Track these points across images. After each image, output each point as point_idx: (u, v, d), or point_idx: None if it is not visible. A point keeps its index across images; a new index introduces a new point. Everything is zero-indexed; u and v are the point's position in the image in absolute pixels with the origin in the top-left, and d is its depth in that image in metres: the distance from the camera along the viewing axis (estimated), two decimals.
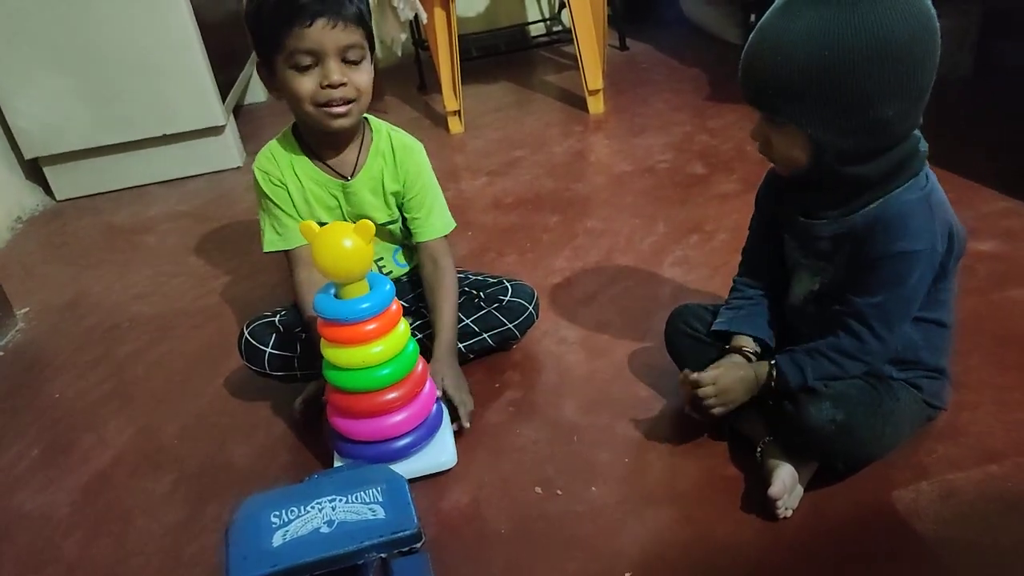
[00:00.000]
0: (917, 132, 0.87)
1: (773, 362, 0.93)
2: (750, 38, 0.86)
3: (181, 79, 2.10)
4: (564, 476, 1.02)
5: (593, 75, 2.28)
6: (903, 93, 0.80)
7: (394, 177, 1.19)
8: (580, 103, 2.36)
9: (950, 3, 2.02)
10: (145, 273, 1.75)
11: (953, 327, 0.96)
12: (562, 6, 3.10)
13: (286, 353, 1.18)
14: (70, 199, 2.25)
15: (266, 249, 1.20)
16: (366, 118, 1.18)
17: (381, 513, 0.74)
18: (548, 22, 3.19)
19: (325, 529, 0.73)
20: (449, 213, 1.25)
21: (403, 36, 2.37)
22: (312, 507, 0.75)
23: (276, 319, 1.21)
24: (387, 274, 1.26)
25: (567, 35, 2.72)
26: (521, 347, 1.29)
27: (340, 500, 0.76)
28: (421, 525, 0.75)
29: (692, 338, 1.07)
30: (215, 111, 2.17)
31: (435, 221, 1.22)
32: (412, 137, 1.23)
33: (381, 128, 1.20)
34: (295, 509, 0.75)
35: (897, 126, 0.82)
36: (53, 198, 2.25)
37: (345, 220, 1.19)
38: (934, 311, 0.92)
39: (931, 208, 0.85)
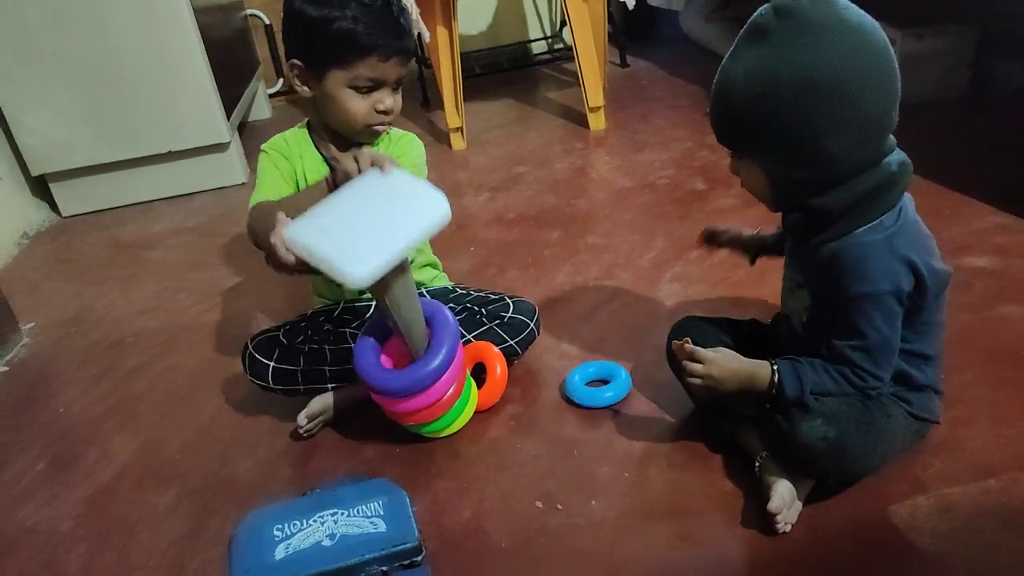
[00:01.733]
0: (892, 164, 0.87)
1: (774, 366, 0.92)
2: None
3: (186, 96, 2.13)
4: (564, 490, 1.03)
5: (594, 92, 2.30)
6: (843, 126, 0.82)
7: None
8: (581, 120, 2.39)
9: (945, 25, 2.06)
10: (150, 288, 1.77)
11: (938, 356, 0.96)
12: (563, 24, 3.13)
13: (289, 367, 1.19)
14: (76, 215, 2.27)
15: (251, 206, 1.12)
16: None
17: (382, 526, 0.75)
18: (549, 40, 3.22)
19: (327, 542, 0.74)
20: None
21: None
22: (314, 521, 0.76)
23: (279, 333, 1.22)
24: (354, 305, 1.28)
25: (568, 52, 2.75)
26: (522, 362, 1.30)
27: (342, 513, 0.77)
28: (422, 538, 0.76)
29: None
30: (220, 128, 2.20)
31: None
32: (411, 134, 1.28)
33: None
34: (297, 523, 0.77)
35: (846, 158, 0.84)
36: (59, 214, 2.27)
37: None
38: (914, 343, 0.92)
39: (892, 250, 0.86)
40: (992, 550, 0.86)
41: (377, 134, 1.18)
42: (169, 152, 2.21)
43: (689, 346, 0.94)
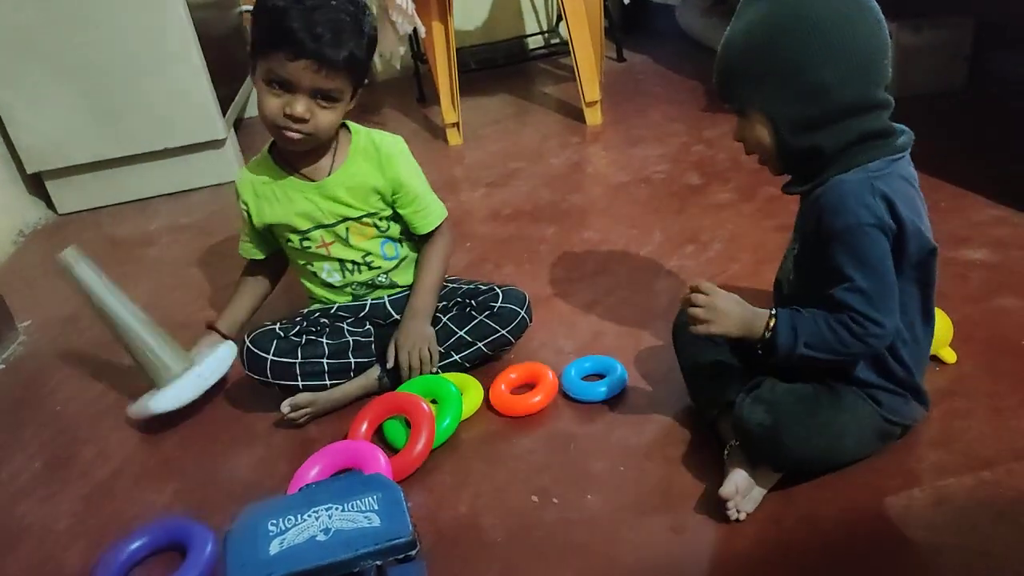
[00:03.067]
0: (888, 120, 0.91)
1: (772, 313, 0.92)
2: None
3: (182, 94, 2.13)
4: (560, 485, 1.03)
5: (590, 87, 2.30)
6: (836, 58, 0.86)
7: (380, 174, 1.22)
8: (577, 115, 2.38)
9: (942, 17, 2.06)
10: (146, 286, 1.76)
11: (920, 342, 0.95)
12: (559, 18, 3.13)
13: (287, 360, 1.19)
14: (72, 213, 2.27)
15: (240, 252, 1.34)
16: (344, 123, 1.23)
17: (376, 521, 0.75)
18: (546, 35, 3.22)
19: (321, 537, 0.74)
20: (438, 205, 1.29)
21: (402, 50, 2.39)
22: (308, 516, 0.76)
23: (277, 326, 1.22)
24: (376, 268, 1.28)
25: (564, 47, 2.74)
26: (519, 357, 1.30)
27: (336, 508, 0.77)
28: (417, 533, 0.76)
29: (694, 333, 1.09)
30: (216, 125, 2.20)
31: (429, 214, 1.27)
32: (391, 134, 1.27)
33: (359, 130, 1.25)
34: (292, 518, 0.77)
35: (836, 91, 0.87)
36: (55, 212, 2.27)
37: (323, 217, 1.23)
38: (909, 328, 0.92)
39: (872, 187, 0.87)
40: (987, 542, 0.86)
41: (292, 141, 1.15)
42: (165, 149, 2.21)
43: (693, 283, 0.95)
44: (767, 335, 0.91)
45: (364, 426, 1.14)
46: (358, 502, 0.77)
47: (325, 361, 1.21)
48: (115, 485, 1.16)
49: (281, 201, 1.24)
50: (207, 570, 0.93)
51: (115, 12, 2.02)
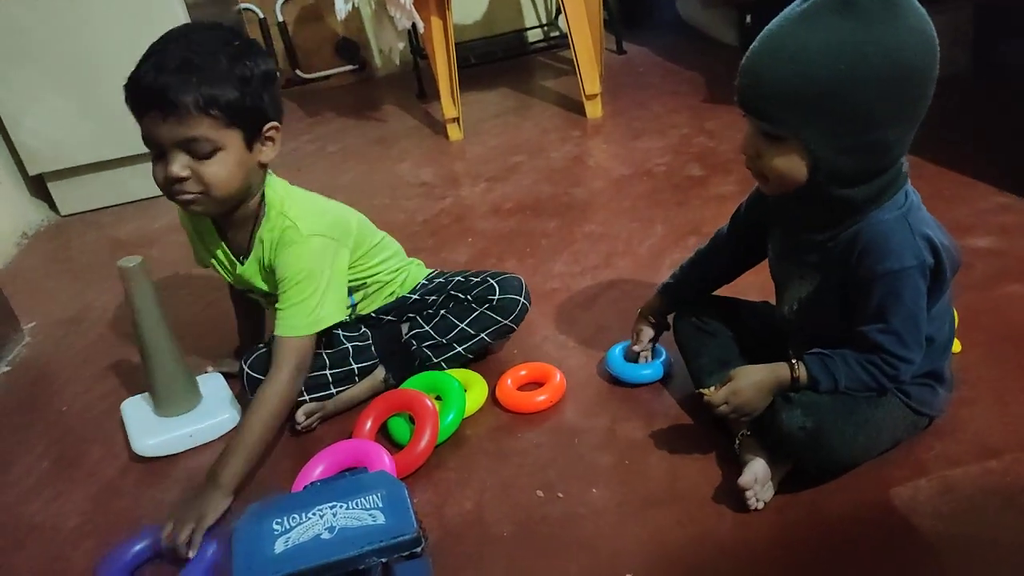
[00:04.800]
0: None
1: (794, 362, 0.91)
2: (756, 43, 0.83)
3: None
4: (565, 479, 1.03)
5: (590, 79, 2.29)
6: (907, 116, 0.81)
7: (271, 263, 1.11)
8: (578, 108, 2.38)
9: (943, 3, 2.04)
10: None
11: (945, 341, 0.95)
12: (559, 11, 3.12)
13: None
14: (75, 214, 2.27)
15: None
16: (264, 194, 1.11)
17: (381, 518, 0.75)
18: (545, 28, 3.21)
19: (326, 535, 0.74)
20: (319, 313, 1.09)
21: (401, 45, 2.39)
22: (313, 514, 0.76)
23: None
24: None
25: (564, 40, 2.73)
26: (522, 351, 1.30)
27: (341, 506, 0.77)
28: (422, 529, 0.76)
29: (698, 329, 1.10)
30: None
31: (288, 317, 1.08)
32: (308, 219, 1.09)
33: (273, 207, 1.10)
34: (296, 516, 0.77)
35: (894, 150, 0.83)
36: (58, 213, 2.28)
37: (239, 288, 1.22)
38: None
39: (909, 225, 0.85)
40: (994, 530, 0.86)
41: (192, 208, 1.04)
42: None
43: (706, 397, 0.94)
44: (796, 384, 0.91)
45: (368, 424, 1.14)
46: (362, 500, 0.77)
47: (328, 372, 1.20)
48: (122, 484, 1.16)
49: (203, 250, 1.20)
50: (210, 569, 0.93)
51: (115, 13, 2.01)
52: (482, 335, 1.23)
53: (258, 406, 1.06)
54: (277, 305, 1.10)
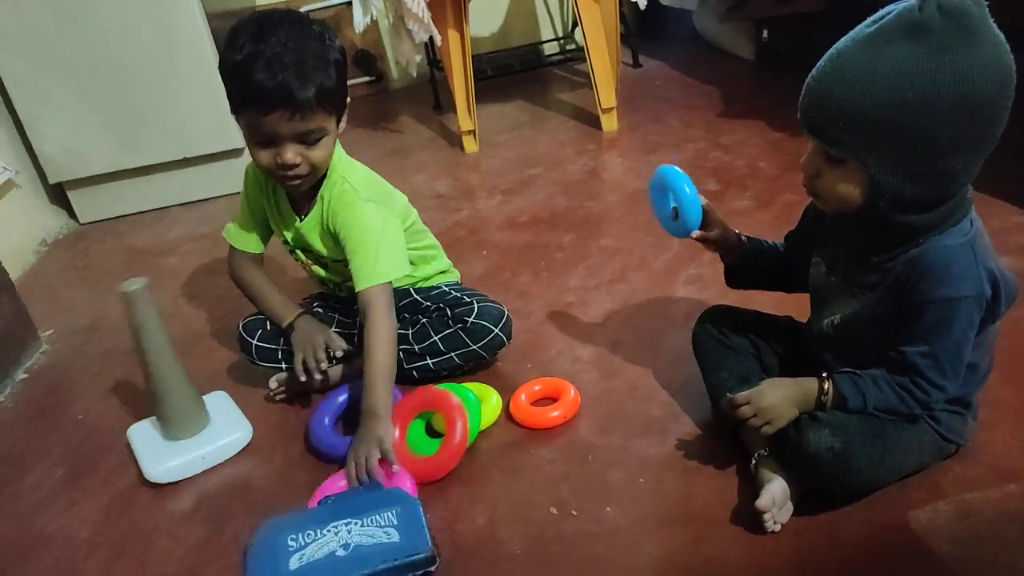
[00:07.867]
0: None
1: (824, 376, 0.90)
2: (823, 62, 0.81)
3: (200, 104, 2.14)
4: (579, 496, 1.03)
5: (606, 93, 2.29)
6: (976, 146, 0.79)
7: (330, 222, 1.19)
8: (594, 121, 2.38)
9: None
10: (165, 295, 1.78)
11: (986, 370, 0.94)
12: (575, 25, 3.13)
13: (270, 345, 1.30)
14: (93, 222, 2.29)
15: (224, 234, 1.31)
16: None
17: (396, 536, 0.75)
18: (561, 41, 3.22)
19: (341, 552, 0.74)
20: (388, 262, 1.15)
21: (418, 57, 2.40)
22: (328, 531, 0.76)
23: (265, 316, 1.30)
24: (343, 296, 1.32)
25: (580, 53, 2.74)
26: (535, 367, 1.29)
27: (355, 523, 0.77)
28: (436, 547, 0.75)
29: (717, 340, 1.09)
30: (233, 135, 2.21)
31: (362, 269, 1.14)
32: (364, 185, 1.19)
33: (335, 172, 1.19)
34: (311, 532, 0.77)
35: (960, 178, 0.81)
36: (77, 221, 2.30)
37: (305, 246, 1.26)
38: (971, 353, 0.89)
39: (974, 253, 0.83)
40: (1013, 555, 0.85)
41: (296, 186, 1.14)
42: (184, 159, 2.23)
43: (727, 398, 0.94)
44: (824, 400, 0.90)
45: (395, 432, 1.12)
46: (377, 516, 0.77)
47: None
48: (135, 495, 1.17)
49: (273, 210, 1.27)
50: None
51: (134, 24, 2.04)
52: (452, 354, 1.23)
53: (375, 345, 1.11)
54: (350, 264, 1.16)
